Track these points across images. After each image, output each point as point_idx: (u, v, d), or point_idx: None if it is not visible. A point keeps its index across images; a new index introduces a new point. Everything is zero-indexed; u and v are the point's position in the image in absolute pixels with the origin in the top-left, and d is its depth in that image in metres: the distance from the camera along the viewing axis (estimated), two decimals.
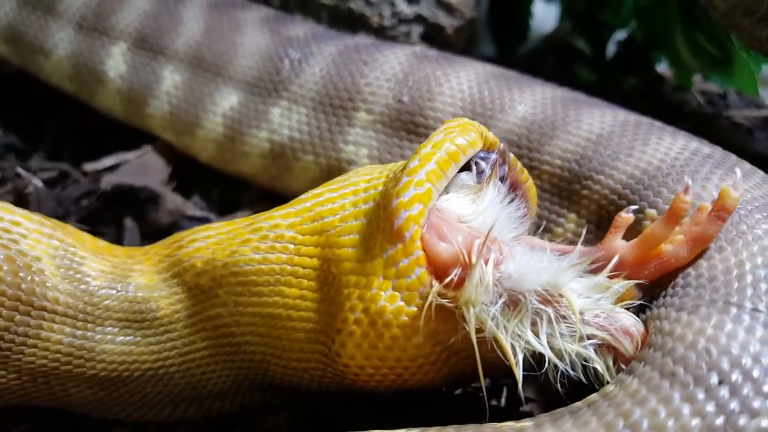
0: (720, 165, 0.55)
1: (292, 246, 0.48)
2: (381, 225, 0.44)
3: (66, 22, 0.79)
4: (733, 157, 0.59)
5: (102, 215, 0.76)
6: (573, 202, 0.60)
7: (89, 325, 0.47)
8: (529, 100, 0.66)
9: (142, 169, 0.77)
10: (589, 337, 0.41)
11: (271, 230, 0.49)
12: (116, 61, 0.78)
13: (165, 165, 0.79)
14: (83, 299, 0.47)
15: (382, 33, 0.90)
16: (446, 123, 0.48)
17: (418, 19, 0.94)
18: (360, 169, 0.52)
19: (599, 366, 0.42)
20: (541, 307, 0.41)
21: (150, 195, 0.75)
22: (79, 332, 0.46)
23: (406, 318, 0.43)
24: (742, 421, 0.37)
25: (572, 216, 0.60)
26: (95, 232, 0.75)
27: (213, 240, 0.50)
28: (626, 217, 0.48)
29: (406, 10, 0.93)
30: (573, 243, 0.59)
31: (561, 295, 0.41)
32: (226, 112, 0.75)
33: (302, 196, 0.51)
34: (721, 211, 0.46)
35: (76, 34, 0.79)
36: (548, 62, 1.20)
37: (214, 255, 0.49)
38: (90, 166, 0.79)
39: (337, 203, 0.48)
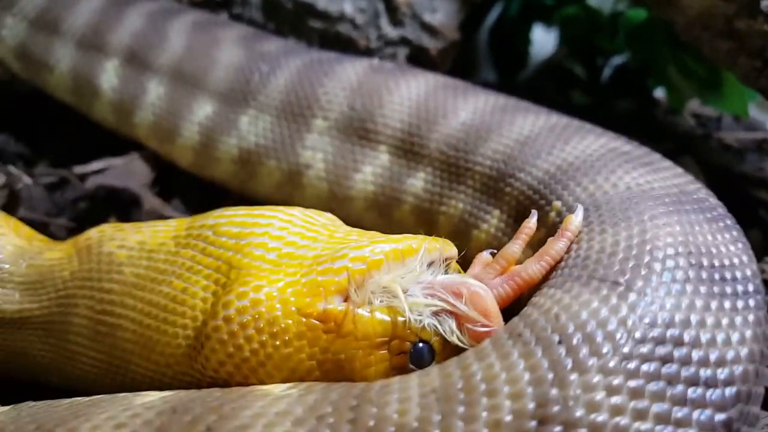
0: (631, 161, 0.57)
1: (203, 244, 0.51)
2: (318, 260, 0.47)
3: (68, 41, 0.88)
4: (656, 156, 0.61)
5: (90, 215, 0.83)
6: (498, 199, 0.63)
7: None
8: (471, 106, 0.70)
9: (126, 173, 0.83)
10: (424, 306, 0.45)
11: (195, 229, 0.53)
12: (109, 75, 0.85)
13: (149, 170, 0.85)
14: None
15: (369, 55, 0.95)
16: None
17: (404, 41, 0.99)
18: (309, 210, 0.54)
19: (439, 328, 0.45)
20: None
21: (131, 196, 0.81)
22: None
23: (279, 325, 0.45)
24: (571, 376, 0.39)
25: (496, 212, 0.63)
26: (82, 229, 0.82)
27: (154, 229, 0.55)
28: (485, 257, 0.51)
29: (392, 33, 0.98)
30: (497, 238, 0.62)
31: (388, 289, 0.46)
32: (201, 121, 0.81)
33: (240, 207, 0.54)
34: (564, 231, 0.49)
35: (77, 51, 0.87)
36: (547, 87, 1.23)
37: (145, 239, 0.54)
38: (79, 169, 0.86)
39: (266, 220, 0.51)
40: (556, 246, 0.48)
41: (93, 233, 0.57)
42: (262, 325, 0.45)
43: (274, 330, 0.45)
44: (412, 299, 0.45)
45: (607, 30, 1.13)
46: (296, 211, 0.52)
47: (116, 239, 0.55)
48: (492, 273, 0.49)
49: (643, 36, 1.08)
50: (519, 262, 0.50)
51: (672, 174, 0.57)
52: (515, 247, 0.50)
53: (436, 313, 0.45)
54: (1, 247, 0.57)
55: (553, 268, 0.48)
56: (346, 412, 0.38)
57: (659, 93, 1.17)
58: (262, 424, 0.38)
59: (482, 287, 0.46)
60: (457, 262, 0.50)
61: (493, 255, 0.51)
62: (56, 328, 0.55)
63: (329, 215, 0.54)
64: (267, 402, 0.40)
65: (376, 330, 0.45)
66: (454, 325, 0.45)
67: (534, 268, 0.48)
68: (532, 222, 0.52)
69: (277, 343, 0.45)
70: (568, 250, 0.49)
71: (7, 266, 0.56)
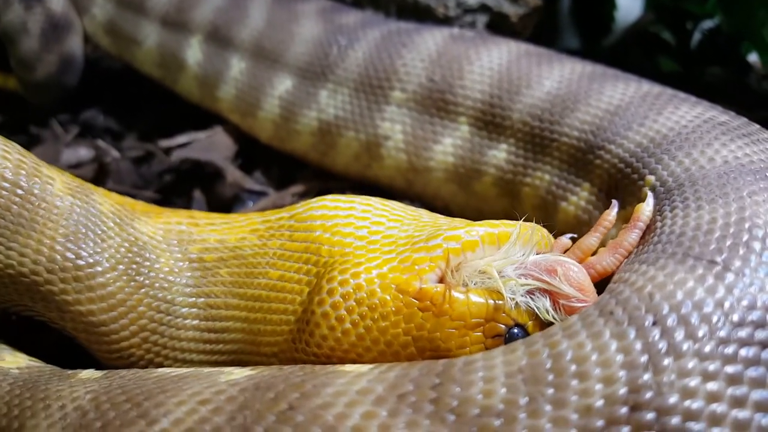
0: (728, 132, 0.54)
1: (288, 232, 0.52)
2: (412, 240, 0.48)
3: (153, 18, 0.90)
4: (755, 126, 0.57)
5: (175, 187, 0.85)
6: (587, 171, 0.61)
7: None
8: (557, 75, 0.67)
9: (210, 146, 0.85)
10: (518, 285, 0.44)
11: (276, 221, 0.53)
12: (194, 51, 0.87)
13: (231, 144, 0.86)
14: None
15: (447, 24, 0.93)
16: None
17: (483, 8, 0.96)
18: (383, 199, 0.54)
19: (532, 304, 0.44)
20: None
21: (214, 169, 0.83)
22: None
23: (378, 299, 0.45)
24: (665, 361, 0.37)
25: (586, 185, 0.61)
26: (168, 201, 0.85)
27: (226, 226, 0.55)
28: (565, 241, 0.51)
29: (471, 0, 0.96)
30: (586, 211, 0.60)
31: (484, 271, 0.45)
32: (282, 95, 0.81)
33: (318, 198, 0.55)
34: (636, 222, 0.49)
35: (162, 27, 0.89)
36: (633, 54, 1.17)
37: (225, 237, 0.54)
38: (165, 143, 0.88)
39: (347, 204, 0.52)
40: (629, 237, 0.48)
41: (173, 230, 0.55)
42: (361, 298, 0.46)
43: (373, 303, 0.45)
44: (505, 279, 0.45)
45: None
46: (372, 199, 0.53)
47: (196, 242, 0.54)
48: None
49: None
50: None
51: None
52: (592, 239, 0.50)
53: (529, 293, 0.45)
54: (103, 212, 0.54)
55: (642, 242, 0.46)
56: (427, 392, 0.38)
57: (753, 58, 1.10)
58: (343, 404, 0.38)
59: (575, 263, 0.45)
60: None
61: (573, 240, 0.50)
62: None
63: (400, 203, 0.54)
64: (348, 379, 0.40)
65: (471, 311, 0.44)
66: (548, 303, 0.44)
67: (609, 260, 0.48)
68: (611, 215, 0.51)
69: (375, 316, 0.45)
70: (662, 226, 0.47)
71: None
